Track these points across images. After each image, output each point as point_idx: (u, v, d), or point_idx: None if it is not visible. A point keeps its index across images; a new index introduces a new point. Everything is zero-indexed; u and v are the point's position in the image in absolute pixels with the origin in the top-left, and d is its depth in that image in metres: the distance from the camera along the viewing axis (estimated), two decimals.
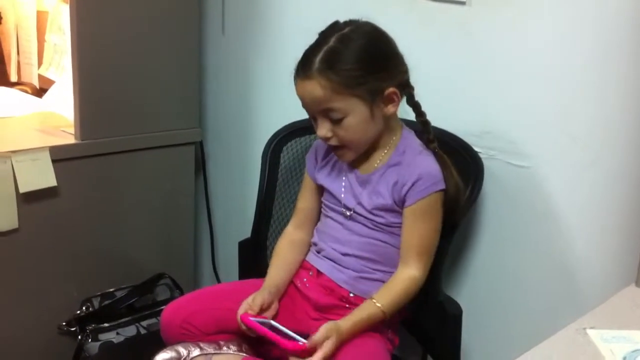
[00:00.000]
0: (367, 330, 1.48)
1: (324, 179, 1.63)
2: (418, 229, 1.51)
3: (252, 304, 1.51)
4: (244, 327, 1.48)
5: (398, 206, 1.52)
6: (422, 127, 1.55)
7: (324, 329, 1.42)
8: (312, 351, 1.39)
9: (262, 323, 1.47)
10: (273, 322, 1.50)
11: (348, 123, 1.46)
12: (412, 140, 1.56)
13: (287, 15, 2.09)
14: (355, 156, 1.55)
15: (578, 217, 1.59)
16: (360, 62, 1.44)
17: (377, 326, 1.51)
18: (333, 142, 1.50)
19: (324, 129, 1.49)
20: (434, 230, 1.52)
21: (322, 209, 1.65)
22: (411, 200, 1.50)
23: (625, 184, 1.51)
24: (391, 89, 1.47)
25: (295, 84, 1.48)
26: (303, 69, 1.46)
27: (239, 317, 1.48)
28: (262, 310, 1.52)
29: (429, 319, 1.63)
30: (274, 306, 1.57)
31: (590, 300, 1.43)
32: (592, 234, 1.57)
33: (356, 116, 1.46)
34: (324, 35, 1.48)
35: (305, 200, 1.69)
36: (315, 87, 1.44)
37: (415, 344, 1.74)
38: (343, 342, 1.43)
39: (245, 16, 2.20)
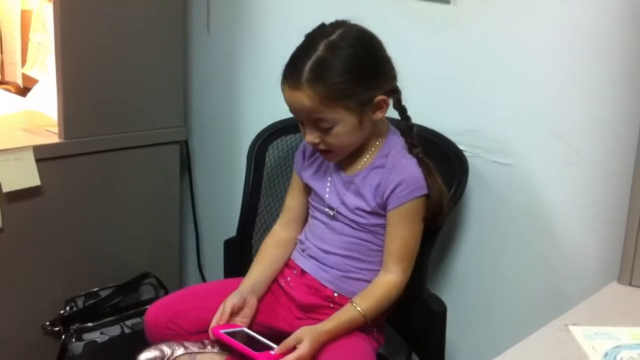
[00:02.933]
0: (348, 333, 1.48)
1: (309, 177, 1.63)
2: (399, 234, 1.51)
3: (223, 312, 1.50)
4: (213, 339, 1.48)
5: (380, 209, 1.53)
6: (407, 132, 1.55)
7: (296, 332, 1.43)
8: (278, 357, 1.39)
9: (234, 333, 1.47)
10: (246, 330, 1.50)
11: (336, 131, 1.46)
12: (397, 143, 1.55)
13: (273, 14, 2.08)
14: (340, 158, 1.55)
15: (562, 214, 1.59)
16: (350, 73, 1.42)
17: (362, 326, 1.51)
18: (321, 147, 1.50)
19: (312, 136, 1.48)
20: (415, 235, 1.52)
21: (309, 209, 1.65)
22: (393, 205, 1.50)
23: (608, 181, 1.52)
24: (380, 97, 1.46)
25: (283, 90, 1.47)
26: (291, 77, 1.44)
27: (210, 331, 1.48)
28: (233, 314, 1.52)
29: (414, 316, 1.63)
30: (251, 304, 1.55)
31: (573, 297, 1.44)
32: (575, 231, 1.58)
33: (345, 125, 1.45)
34: (312, 40, 1.46)
35: (292, 199, 1.68)
36: (304, 98, 1.42)
37: (400, 342, 1.75)
38: (323, 344, 1.44)
39: (230, 15, 2.19)
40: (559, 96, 1.56)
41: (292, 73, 1.44)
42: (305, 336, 1.42)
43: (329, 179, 1.59)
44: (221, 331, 1.47)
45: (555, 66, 1.55)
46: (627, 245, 1.36)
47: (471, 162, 1.67)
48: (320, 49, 1.43)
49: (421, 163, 1.51)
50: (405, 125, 1.55)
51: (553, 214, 1.61)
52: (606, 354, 1.11)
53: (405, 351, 1.78)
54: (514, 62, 1.61)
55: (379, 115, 1.49)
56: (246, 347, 1.43)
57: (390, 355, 1.78)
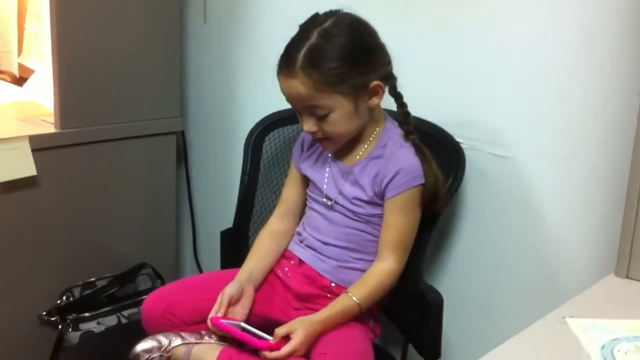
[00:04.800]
0: (343, 323, 1.49)
1: (308, 169, 1.63)
2: (395, 223, 1.52)
3: (222, 304, 1.51)
4: (212, 329, 1.48)
5: (378, 199, 1.53)
6: (403, 118, 1.56)
7: (289, 323, 1.44)
8: (281, 347, 1.40)
9: (232, 325, 1.47)
10: (243, 324, 1.50)
11: (333, 118, 1.47)
12: (394, 133, 1.56)
13: (270, 3, 2.08)
14: (338, 146, 1.55)
15: (558, 207, 1.60)
16: (343, 59, 1.43)
17: (358, 316, 1.51)
18: (319, 135, 1.51)
19: (309, 124, 1.49)
20: (412, 225, 1.53)
21: (307, 201, 1.66)
22: (390, 194, 1.51)
23: (605, 173, 1.52)
24: (375, 82, 1.47)
25: (279, 80, 1.48)
26: (286, 65, 1.45)
27: (209, 321, 1.48)
28: (231, 304, 1.52)
29: (410, 307, 1.63)
30: (248, 294, 1.56)
31: (570, 290, 1.45)
32: (572, 224, 1.58)
33: (341, 111, 1.46)
34: (305, 30, 1.47)
35: (289, 191, 1.69)
36: (299, 86, 1.43)
37: (396, 333, 1.75)
38: (318, 335, 1.44)
39: (227, 4, 2.19)
40: (556, 89, 1.56)
41: (286, 62, 1.45)
42: (299, 326, 1.42)
43: (327, 169, 1.60)
44: (221, 321, 1.47)
45: (553, 59, 1.55)
46: (624, 238, 1.36)
47: (468, 154, 1.67)
48: (314, 37, 1.44)
49: (417, 149, 1.52)
50: (401, 112, 1.56)
51: (550, 206, 1.61)
52: (603, 347, 1.11)
53: (401, 342, 1.79)
54: (512, 54, 1.61)
55: (375, 101, 1.50)
56: (245, 334, 1.44)
57: (386, 346, 1.79)
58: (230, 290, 1.53)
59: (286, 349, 1.39)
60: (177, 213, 2.36)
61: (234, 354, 1.44)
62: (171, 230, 2.33)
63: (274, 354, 1.39)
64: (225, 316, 1.49)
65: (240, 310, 1.54)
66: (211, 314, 1.49)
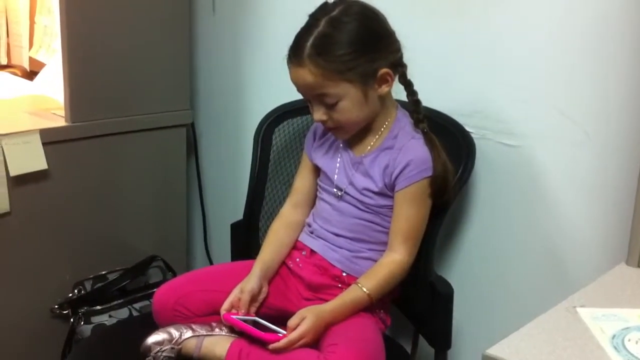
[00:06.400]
0: (353, 313, 1.49)
1: (319, 158, 1.64)
2: (405, 214, 1.52)
3: (242, 300, 1.51)
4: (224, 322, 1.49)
5: (388, 190, 1.53)
6: (413, 107, 1.55)
7: (299, 311, 1.44)
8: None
9: (245, 320, 1.48)
10: (257, 319, 1.51)
11: (342, 106, 1.47)
12: (405, 123, 1.56)
13: None
14: (350, 134, 1.55)
15: (569, 195, 1.59)
16: (351, 46, 1.43)
17: (368, 307, 1.52)
18: (329, 124, 1.51)
19: (319, 113, 1.49)
20: (422, 216, 1.53)
21: (317, 191, 1.66)
22: (400, 185, 1.51)
23: (617, 162, 1.51)
24: (384, 70, 1.47)
25: (289, 69, 1.48)
26: (294, 54, 1.45)
27: (222, 317, 1.49)
28: (253, 299, 1.53)
29: (421, 298, 1.63)
30: (264, 289, 1.57)
31: (581, 279, 1.44)
32: (583, 213, 1.58)
33: (350, 99, 1.46)
34: (314, 18, 1.47)
35: (301, 180, 1.69)
36: (307, 74, 1.44)
37: (407, 324, 1.75)
38: (327, 324, 1.44)
39: None
40: (567, 76, 1.55)
41: (295, 51, 1.46)
42: (308, 314, 1.43)
43: (339, 159, 1.60)
44: (233, 317, 1.47)
45: (563, 46, 1.54)
46: (635, 227, 1.35)
47: (478, 143, 1.66)
48: (322, 25, 1.45)
49: (427, 138, 1.52)
50: (411, 100, 1.55)
51: (561, 195, 1.60)
52: (614, 336, 1.10)
53: (411, 333, 1.79)
54: (522, 42, 1.60)
55: (384, 89, 1.49)
56: (256, 330, 1.45)
57: (396, 337, 1.79)
58: (250, 286, 1.53)
59: (293, 334, 1.40)
60: (188, 205, 2.36)
61: (245, 345, 1.45)
62: (182, 223, 2.33)
63: (282, 341, 1.39)
64: (237, 312, 1.50)
65: (254, 305, 1.54)
66: (224, 306, 1.50)
